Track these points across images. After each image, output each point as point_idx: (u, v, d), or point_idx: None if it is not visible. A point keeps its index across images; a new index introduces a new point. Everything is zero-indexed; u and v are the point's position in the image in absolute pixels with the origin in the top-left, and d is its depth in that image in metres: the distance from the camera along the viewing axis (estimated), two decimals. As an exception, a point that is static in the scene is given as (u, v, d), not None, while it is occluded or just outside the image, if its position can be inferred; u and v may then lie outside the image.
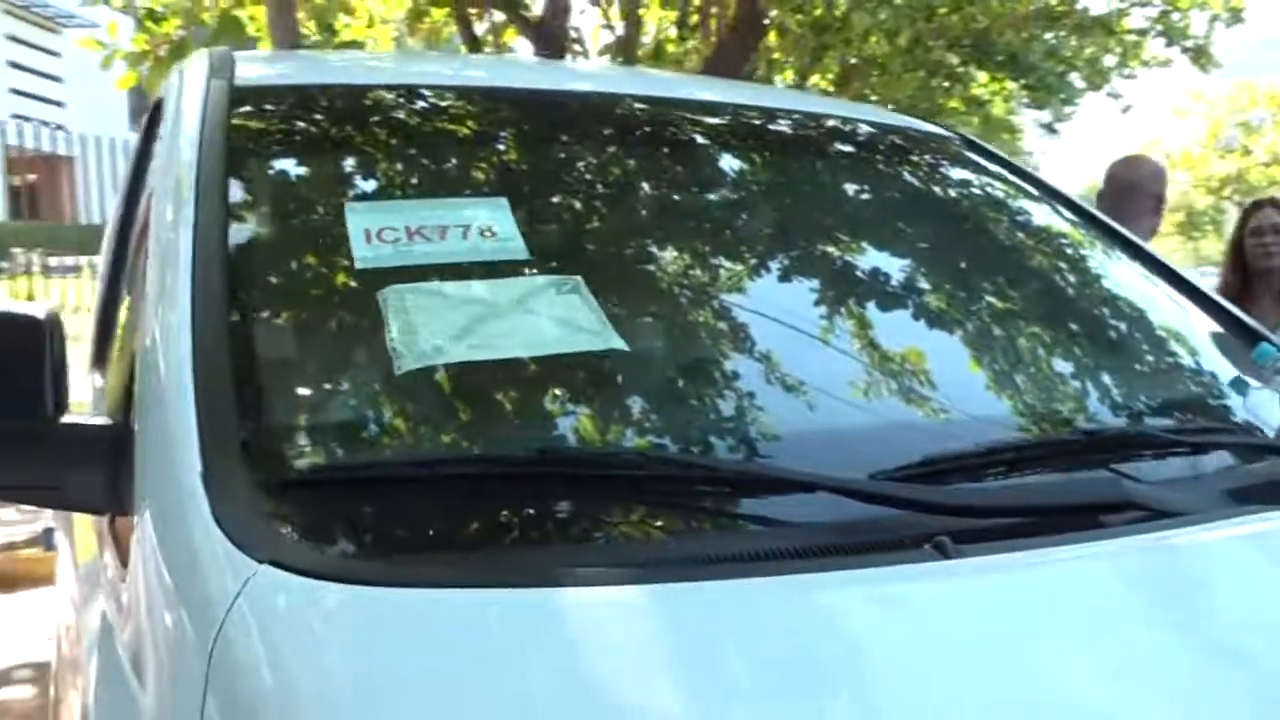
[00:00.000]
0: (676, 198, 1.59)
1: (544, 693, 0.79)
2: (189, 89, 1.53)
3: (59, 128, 32.00)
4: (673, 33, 12.54)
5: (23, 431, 1.12)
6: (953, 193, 1.91)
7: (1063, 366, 1.46)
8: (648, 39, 12.30)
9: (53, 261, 12.32)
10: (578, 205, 1.49)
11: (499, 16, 10.01)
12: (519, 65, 2.50)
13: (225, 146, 1.36)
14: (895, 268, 1.57)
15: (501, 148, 1.57)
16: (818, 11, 12.09)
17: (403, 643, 0.79)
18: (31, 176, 34.12)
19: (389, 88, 1.64)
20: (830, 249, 1.58)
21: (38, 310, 1.21)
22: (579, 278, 1.26)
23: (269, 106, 1.53)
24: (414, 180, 1.49)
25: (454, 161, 1.52)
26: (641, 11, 10.48)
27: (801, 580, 0.89)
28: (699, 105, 1.88)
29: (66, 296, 10.44)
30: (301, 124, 1.54)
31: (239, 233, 1.26)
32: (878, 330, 1.37)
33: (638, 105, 1.80)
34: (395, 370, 1.09)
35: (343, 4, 8.99)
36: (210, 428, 0.97)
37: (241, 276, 1.20)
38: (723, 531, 1.02)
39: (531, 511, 0.99)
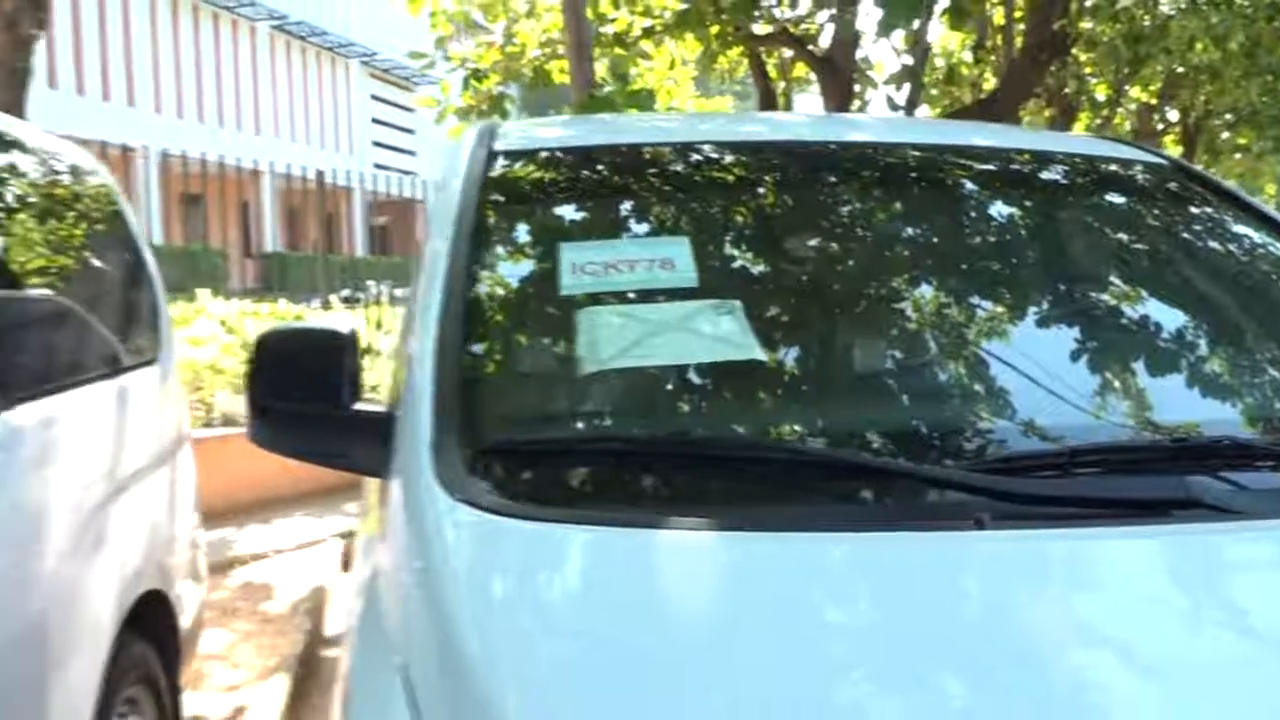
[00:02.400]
0: (847, 231, 1.82)
1: (653, 602, 1.07)
2: (461, 154, 1.96)
3: (410, 174, 36.00)
4: (966, 56, 12.31)
5: (327, 414, 1.56)
6: (1157, 220, 1.98)
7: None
8: (940, 62, 12.18)
9: (399, 291, 14.05)
10: (750, 242, 1.76)
11: (788, 53, 10.35)
12: (728, 119, 2.76)
13: (477, 200, 1.76)
14: (1058, 284, 1.70)
15: (690, 195, 1.88)
16: (1135, 21, 11.40)
17: (540, 558, 1.11)
18: (387, 218, 38.77)
19: (607, 148, 1.99)
20: (995, 267, 1.74)
21: (342, 328, 1.65)
22: (737, 302, 1.54)
23: (514, 167, 1.92)
24: (620, 224, 1.83)
25: (653, 206, 1.85)
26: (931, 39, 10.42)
27: (859, 537, 1.12)
28: (899, 147, 2.08)
29: (408, 322, 11.90)
30: (535, 180, 1.92)
31: (479, 267, 1.65)
32: (988, 329, 1.54)
33: (843, 150, 2.03)
34: (576, 373, 1.42)
35: (640, 51, 9.70)
36: (440, 413, 1.34)
37: (476, 301, 1.58)
38: (813, 502, 1.25)
39: (655, 478, 1.27)
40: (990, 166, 2.05)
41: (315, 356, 1.59)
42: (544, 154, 1.99)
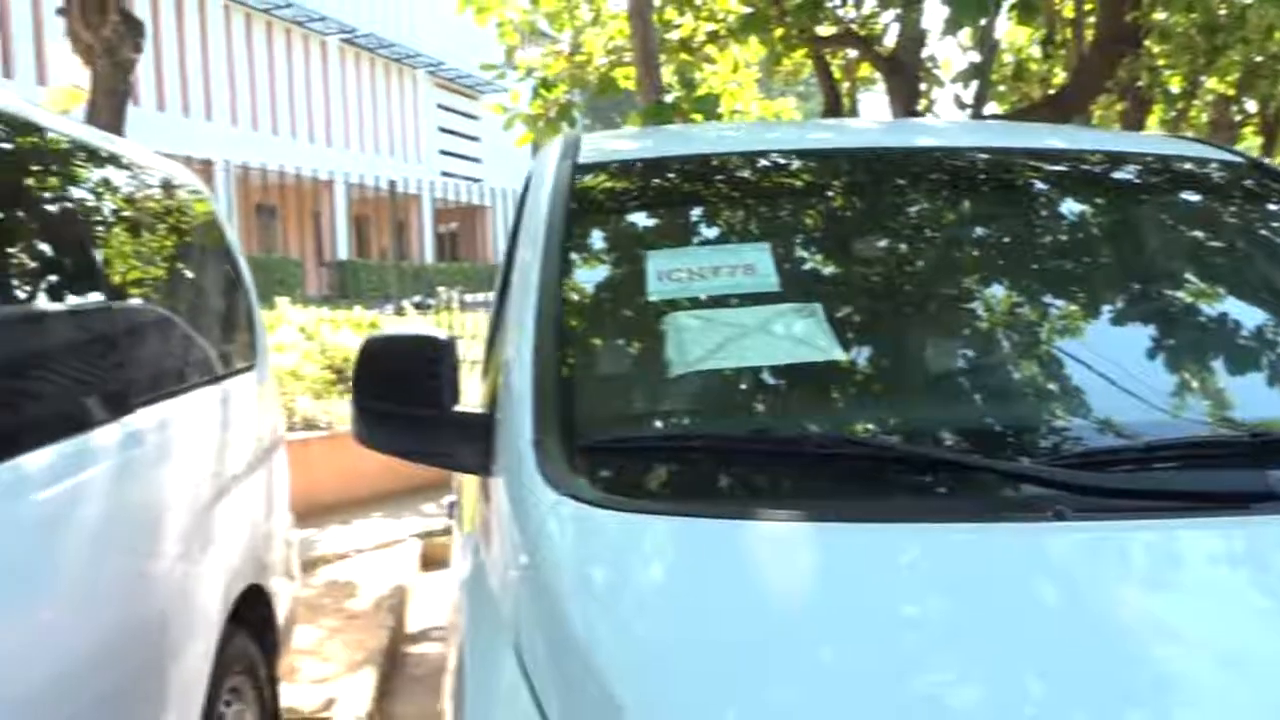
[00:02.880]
0: (921, 234, 1.87)
1: (734, 586, 1.15)
2: (546, 165, 2.05)
3: (476, 181, 36.50)
4: (1035, 52, 12.14)
5: (429, 416, 1.66)
6: (1233, 218, 2.00)
7: None
8: (1008, 58, 12.02)
9: (467, 297, 14.29)
10: (827, 247, 1.82)
11: (853, 53, 10.31)
12: (801, 127, 2.82)
13: (565, 210, 1.84)
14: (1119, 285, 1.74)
15: (768, 202, 1.95)
16: (1211, 10, 11.14)
17: (637, 546, 1.20)
18: (454, 225, 39.37)
19: (686, 158, 2.07)
20: (1052, 267, 1.79)
21: (441, 334, 1.75)
22: (818, 305, 1.60)
23: (600, 177, 2.01)
24: (702, 232, 1.91)
25: (733, 214, 1.92)
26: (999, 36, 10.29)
27: (941, 528, 1.19)
28: (969, 150, 2.13)
29: (479, 326, 12.17)
30: (619, 191, 2.00)
31: (570, 274, 1.74)
32: (1065, 330, 1.58)
33: (915, 155, 2.08)
34: (666, 375, 1.50)
35: (705, 56, 9.76)
36: (539, 414, 1.43)
37: (569, 307, 1.66)
38: (895, 495, 1.32)
39: (742, 472, 1.35)
40: (1060, 168, 2.08)
41: (416, 361, 1.69)
42: (626, 165, 2.08)
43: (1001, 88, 12.31)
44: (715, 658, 1.06)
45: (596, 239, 1.89)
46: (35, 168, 2.32)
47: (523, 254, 1.82)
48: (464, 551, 1.85)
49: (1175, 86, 13.96)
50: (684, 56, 9.13)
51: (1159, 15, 10.32)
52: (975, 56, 9.39)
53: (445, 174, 35.91)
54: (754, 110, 12.79)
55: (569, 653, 1.08)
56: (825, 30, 9.32)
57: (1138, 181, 2.09)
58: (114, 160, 2.76)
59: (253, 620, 2.93)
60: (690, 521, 1.23)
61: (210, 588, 2.55)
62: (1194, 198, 2.11)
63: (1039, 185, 2.00)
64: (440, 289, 14.57)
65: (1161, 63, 12.89)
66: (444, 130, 37.30)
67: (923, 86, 9.87)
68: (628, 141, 2.38)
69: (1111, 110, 13.69)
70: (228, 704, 2.74)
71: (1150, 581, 1.14)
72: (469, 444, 1.61)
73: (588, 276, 1.79)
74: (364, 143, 33.56)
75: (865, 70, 10.90)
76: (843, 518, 1.22)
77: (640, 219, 1.95)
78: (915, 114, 9.08)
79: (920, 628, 1.10)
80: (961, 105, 9.51)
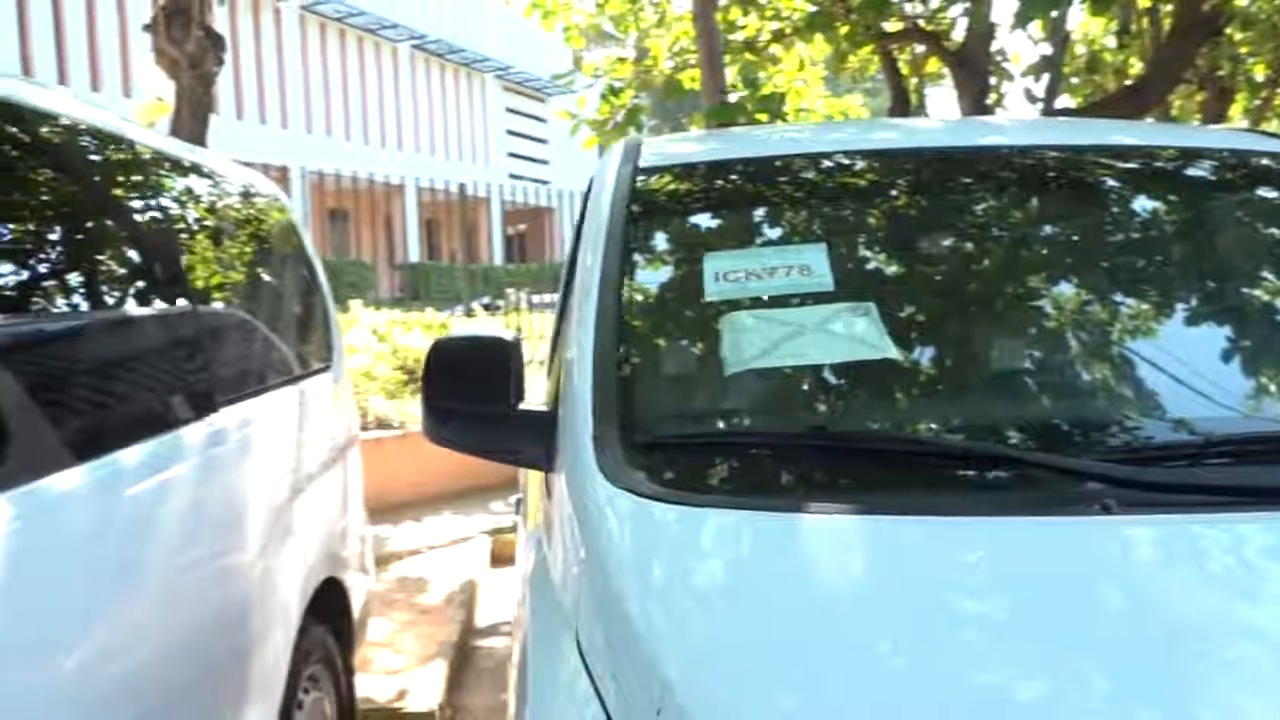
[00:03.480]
0: (975, 233, 1.88)
1: (785, 583, 1.19)
2: (608, 169, 2.10)
3: (544, 184, 36.81)
4: (1110, 42, 11.86)
5: (497, 414, 1.72)
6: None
7: None
8: (1081, 49, 11.76)
9: (535, 298, 14.46)
10: (882, 246, 1.85)
11: (920, 48, 10.21)
12: (857, 127, 2.82)
13: (625, 212, 1.89)
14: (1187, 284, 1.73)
15: (825, 202, 1.97)
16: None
17: (692, 538, 1.24)
18: (522, 226, 39.77)
19: (744, 160, 2.11)
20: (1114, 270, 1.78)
21: (507, 335, 1.82)
22: (872, 304, 1.63)
23: (659, 180, 2.05)
24: (759, 233, 1.95)
25: (790, 215, 1.95)
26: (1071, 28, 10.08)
27: (991, 521, 1.21)
28: (1028, 148, 2.13)
29: (546, 327, 12.33)
30: (678, 193, 2.05)
31: (630, 276, 1.79)
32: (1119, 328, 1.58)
33: (971, 153, 2.09)
34: (722, 373, 1.54)
35: (770, 56, 9.74)
36: (599, 411, 1.48)
37: (628, 307, 1.72)
38: (945, 490, 1.34)
39: (795, 468, 1.39)
40: (1128, 165, 2.07)
41: (484, 361, 1.76)
42: (685, 168, 2.12)
43: (1075, 80, 12.06)
44: (767, 648, 1.10)
45: (656, 240, 1.94)
46: (127, 179, 2.44)
47: (584, 256, 1.88)
48: (528, 547, 1.91)
49: (1259, 74, 13.51)
50: (749, 56, 9.13)
51: (1240, 1, 10.02)
52: (1047, 49, 9.23)
53: (513, 176, 36.29)
54: (820, 108, 12.72)
55: (626, 642, 1.13)
56: (892, 26, 9.25)
57: (1211, 178, 2.07)
58: (198, 171, 2.88)
59: (329, 612, 3.04)
60: (745, 515, 1.27)
61: (289, 580, 2.66)
62: (1272, 194, 2.08)
63: (1101, 182, 1.99)
64: (508, 290, 14.76)
65: (1244, 50, 12.49)
66: (512, 133, 37.71)
67: (992, 81, 9.72)
68: (688, 145, 2.43)
69: (1191, 101, 13.30)
70: (306, 691, 2.85)
71: (1191, 573, 1.15)
72: (533, 440, 1.67)
73: (647, 277, 1.84)
74: (434, 146, 34.10)
75: (933, 66, 10.77)
76: (890, 512, 1.25)
77: (699, 220, 1.99)
78: (985, 109, 8.95)
79: (974, 622, 1.12)
80: (1032, 99, 9.36)
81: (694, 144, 2.43)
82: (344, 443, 3.45)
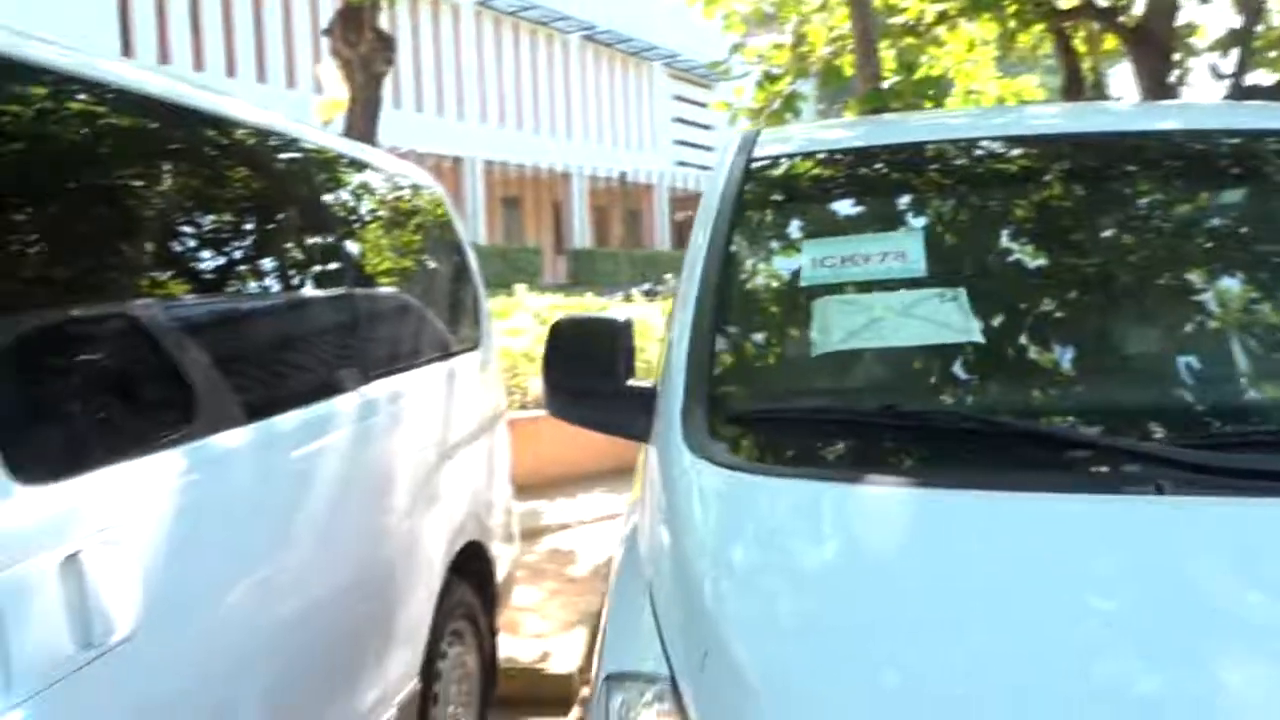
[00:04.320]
0: (1061, 222, 1.90)
1: (845, 545, 1.28)
2: (725, 159, 2.21)
3: (709, 170, 36.86)
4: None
5: (607, 390, 1.87)
6: None
7: None
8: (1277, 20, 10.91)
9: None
10: (976, 235, 1.88)
11: (1096, 25, 9.74)
12: (976, 114, 2.79)
13: (736, 200, 2.00)
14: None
15: (922, 191, 2.02)
16: None
17: (760, 502, 1.35)
18: (689, 212, 40.05)
19: (852, 150, 2.17)
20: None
21: (619, 317, 1.97)
22: (962, 290, 1.69)
23: (769, 171, 2.14)
24: (859, 220, 2.01)
25: (890, 204, 2.01)
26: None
27: (1052, 498, 1.27)
28: (1134, 134, 2.10)
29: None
30: (784, 183, 2.13)
31: (732, 261, 1.89)
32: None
33: (1066, 141, 2.08)
34: (806, 354, 1.63)
35: (933, 38, 9.52)
36: (689, 386, 1.61)
37: (728, 290, 1.82)
38: (1007, 467, 1.39)
39: (861, 443, 1.47)
40: (1228, 149, 2.01)
41: (598, 341, 1.91)
42: (795, 159, 2.20)
43: (1272, 54, 11.21)
44: (815, 609, 1.20)
45: (758, 228, 2.03)
46: (300, 177, 2.72)
47: (694, 241, 2.00)
48: (628, 513, 2.05)
49: None
50: (910, 40, 8.96)
51: None
52: (1236, 21, 8.66)
53: (679, 163, 36.56)
54: (992, 90, 12.29)
55: (685, 594, 1.25)
56: (1064, 3, 8.88)
57: None
58: (363, 167, 3.16)
59: (473, 574, 3.28)
60: (807, 484, 1.36)
61: (434, 540, 2.90)
62: None
63: (1187, 165, 1.96)
64: (668, 276, 14.93)
65: None
66: (679, 120, 37.95)
67: (1176, 56, 9.19)
68: (802, 136, 2.50)
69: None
70: (450, 644, 3.09)
71: (1233, 549, 1.17)
72: (638, 414, 1.80)
73: (747, 262, 1.94)
74: (602, 135, 34.74)
75: (1110, 43, 10.26)
76: (952, 485, 1.32)
77: (802, 209, 2.08)
78: (1165, 87, 8.49)
79: (1035, 593, 1.18)
80: (1219, 76, 8.80)
81: (806, 135, 2.50)
82: (490, 418, 3.69)
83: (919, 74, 7.18)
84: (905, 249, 1.81)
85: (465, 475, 3.27)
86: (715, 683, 1.11)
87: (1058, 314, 1.69)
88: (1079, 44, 10.18)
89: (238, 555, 1.92)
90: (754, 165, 2.12)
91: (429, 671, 2.86)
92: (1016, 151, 2.03)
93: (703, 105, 37.97)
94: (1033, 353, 1.62)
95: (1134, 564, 1.18)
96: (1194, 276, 1.74)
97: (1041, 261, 1.81)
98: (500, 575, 3.62)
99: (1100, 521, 1.23)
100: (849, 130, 2.49)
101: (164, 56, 21.56)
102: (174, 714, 1.65)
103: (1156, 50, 8.68)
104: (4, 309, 1.44)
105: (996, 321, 1.68)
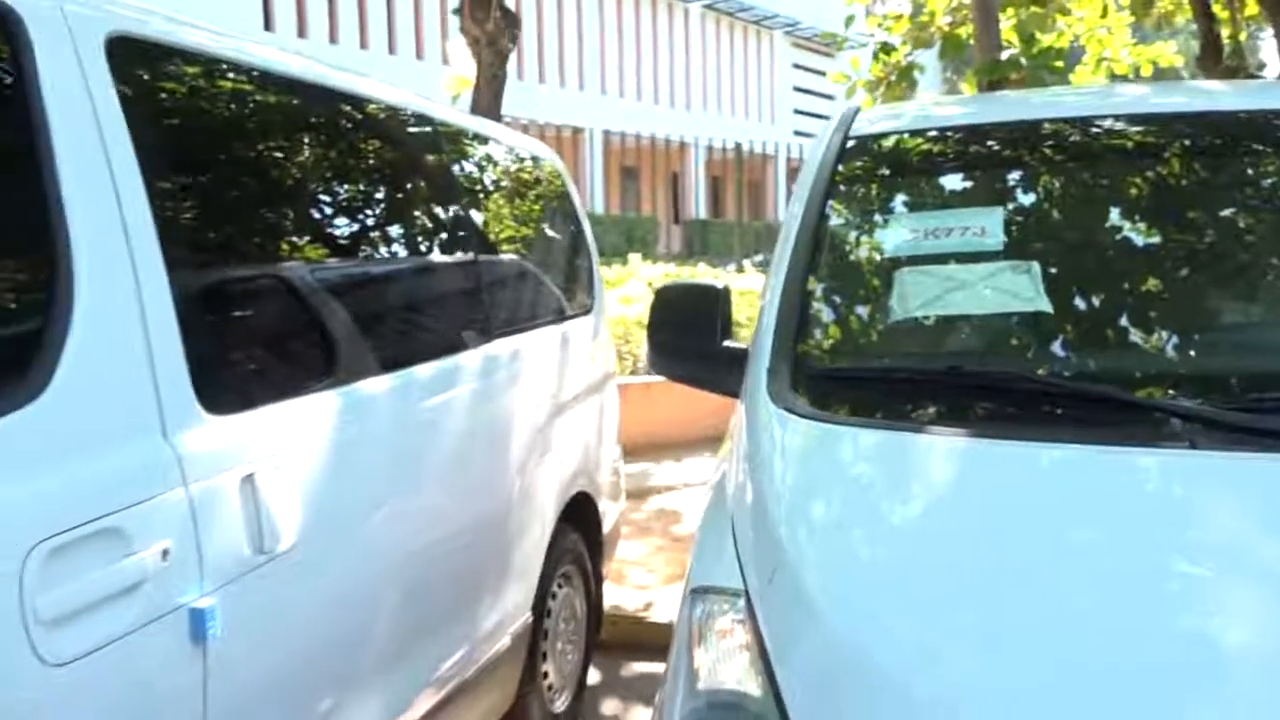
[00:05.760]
0: (1130, 200, 1.99)
1: (911, 486, 1.44)
2: (825, 134, 2.36)
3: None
4: None
5: (705, 350, 2.06)
6: None
7: None
8: None
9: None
10: (1056, 212, 1.99)
11: (1238, -10, 9.34)
12: (1075, 94, 2.82)
13: (830, 175, 2.15)
14: None
15: (1010, 170, 2.13)
16: None
17: (832, 447, 1.52)
18: (806, 184, 39.60)
19: (947, 129, 2.29)
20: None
21: (718, 284, 2.15)
22: (1035, 263, 1.81)
23: (864, 148, 2.28)
24: (946, 196, 2.14)
25: (976, 181, 2.14)
26: None
27: (1091, 449, 1.40)
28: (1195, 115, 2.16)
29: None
30: (878, 160, 2.26)
31: (823, 231, 2.05)
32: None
33: (1163, 122, 2.15)
34: (885, 319, 1.79)
35: (1059, 7, 9.29)
36: (777, 346, 1.78)
37: (818, 258, 1.98)
38: (1061, 422, 1.53)
39: (927, 400, 1.62)
40: None
41: (698, 305, 2.11)
42: (889, 138, 2.33)
43: None
44: (870, 538, 1.37)
45: (850, 201, 2.18)
46: (432, 151, 2.98)
47: (790, 211, 2.16)
48: (718, 464, 2.25)
49: None
50: (1034, 9, 8.77)
51: None
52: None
53: (798, 133, 36.17)
54: (1125, 58, 11.89)
55: (758, 520, 1.44)
56: (1203, -34, 8.56)
57: None
58: (489, 141, 3.41)
59: (581, 523, 3.53)
60: (872, 433, 1.53)
61: (546, 488, 3.15)
62: None
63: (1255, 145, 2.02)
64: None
65: None
66: (799, 90, 37.51)
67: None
68: (897, 115, 2.62)
69: None
70: (560, 586, 3.35)
71: (1255, 499, 1.29)
72: (732, 372, 1.99)
73: (837, 234, 2.10)
74: (720, 105, 34.64)
75: (1252, 8, 9.82)
76: (1004, 436, 1.47)
77: (891, 184, 2.21)
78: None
79: (1078, 534, 1.32)
80: (1369, 43, 8.35)
81: (904, 114, 2.61)
82: (601, 379, 3.92)
83: (1041, 45, 7.07)
84: (985, 224, 1.94)
85: (576, 431, 3.51)
86: (781, 598, 1.30)
87: (1121, 287, 1.80)
88: (1219, 8, 9.78)
89: (378, 487, 2.18)
90: (850, 142, 2.26)
91: (540, 608, 3.12)
92: (1095, 132, 2.12)
93: (822, 74, 37.45)
94: (1093, 322, 1.74)
95: (1165, 510, 1.31)
96: (1251, 253, 1.83)
97: (1110, 237, 1.92)
98: (607, 527, 3.86)
99: (1135, 472, 1.36)
100: (944, 109, 2.60)
101: (301, 30, 22.49)
102: (326, 616, 1.92)
103: (1300, 16, 8.29)
104: (196, 272, 1.71)
105: (1064, 293, 1.80)
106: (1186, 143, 2.05)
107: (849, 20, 8.88)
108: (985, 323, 1.79)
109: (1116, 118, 2.17)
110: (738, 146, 30.67)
